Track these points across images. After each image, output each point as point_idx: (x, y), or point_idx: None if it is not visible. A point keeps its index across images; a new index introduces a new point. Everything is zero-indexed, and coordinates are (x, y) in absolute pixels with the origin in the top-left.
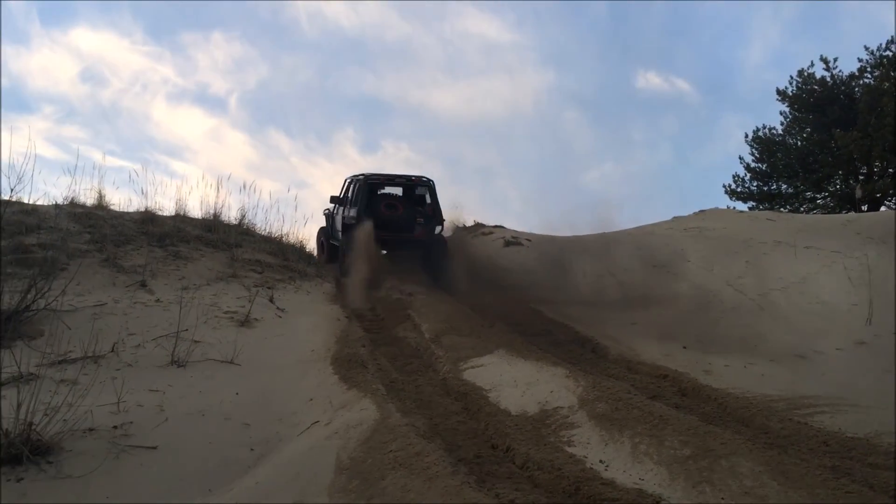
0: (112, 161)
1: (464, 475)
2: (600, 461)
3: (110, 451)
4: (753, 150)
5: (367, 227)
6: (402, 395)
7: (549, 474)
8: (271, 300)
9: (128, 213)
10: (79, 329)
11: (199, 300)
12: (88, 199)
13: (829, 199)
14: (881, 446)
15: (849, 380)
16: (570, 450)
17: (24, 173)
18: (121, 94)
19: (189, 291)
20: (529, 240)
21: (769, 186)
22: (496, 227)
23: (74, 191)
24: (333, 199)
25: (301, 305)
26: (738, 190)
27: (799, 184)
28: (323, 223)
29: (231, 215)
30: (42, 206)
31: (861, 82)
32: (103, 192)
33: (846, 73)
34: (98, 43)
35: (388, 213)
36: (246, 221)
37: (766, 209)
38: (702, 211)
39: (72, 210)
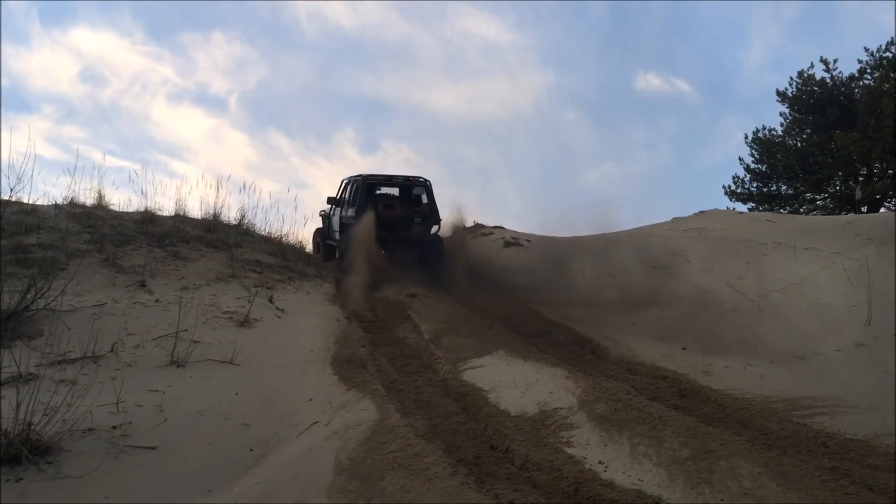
0: (112, 161)
1: (463, 476)
2: (599, 462)
3: (109, 451)
4: (753, 151)
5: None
6: (401, 396)
7: (548, 475)
8: (271, 300)
9: (127, 213)
10: (78, 329)
11: (199, 300)
12: (88, 199)
13: (828, 200)
14: (880, 448)
15: (848, 381)
16: (569, 451)
17: (23, 173)
18: (121, 94)
19: (188, 292)
20: (529, 240)
21: (769, 187)
22: (496, 227)
23: (74, 191)
24: (330, 200)
25: (301, 306)
26: (738, 191)
27: (799, 185)
28: (319, 224)
29: (231, 215)
30: (42, 205)
31: (861, 84)
32: (103, 192)
33: (846, 74)
34: (98, 43)
35: (385, 213)
36: (245, 222)
37: (765, 210)
38: (702, 212)
39: (71, 210)
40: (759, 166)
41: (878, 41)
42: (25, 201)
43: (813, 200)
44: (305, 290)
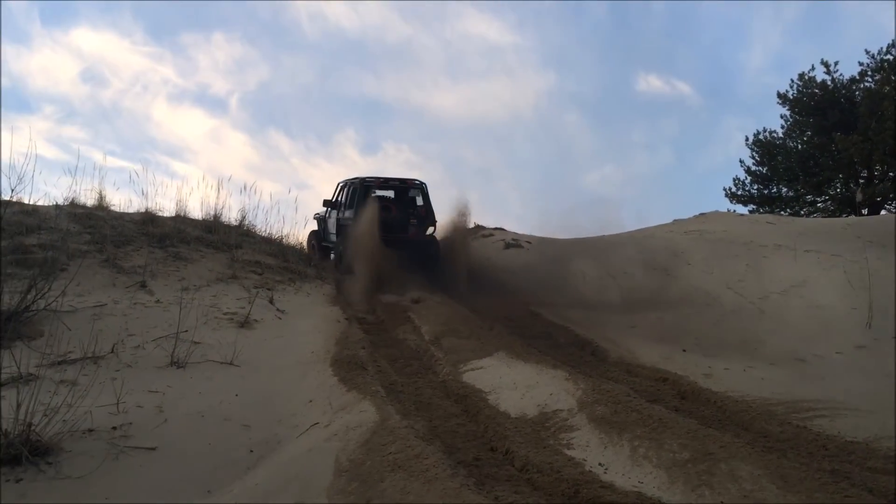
0: (112, 161)
1: (463, 477)
2: (599, 464)
3: (109, 451)
4: (754, 153)
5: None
6: (401, 398)
7: (548, 477)
8: (271, 301)
9: (128, 214)
10: (78, 330)
11: (199, 301)
12: (89, 199)
13: (829, 202)
14: (880, 450)
15: (848, 384)
16: (569, 452)
17: (24, 173)
18: (121, 94)
19: (189, 292)
20: (530, 242)
21: (769, 189)
22: (496, 229)
23: (75, 191)
24: (326, 203)
25: (301, 307)
26: (739, 193)
27: (799, 187)
28: (314, 227)
29: (231, 216)
30: (42, 206)
31: (862, 86)
32: (103, 192)
33: (847, 76)
34: (99, 43)
35: (382, 215)
36: (246, 222)
37: (766, 212)
38: (702, 214)
39: (72, 210)
40: (760, 168)
41: (879, 43)
42: (26, 202)
43: (814, 203)
44: (306, 292)
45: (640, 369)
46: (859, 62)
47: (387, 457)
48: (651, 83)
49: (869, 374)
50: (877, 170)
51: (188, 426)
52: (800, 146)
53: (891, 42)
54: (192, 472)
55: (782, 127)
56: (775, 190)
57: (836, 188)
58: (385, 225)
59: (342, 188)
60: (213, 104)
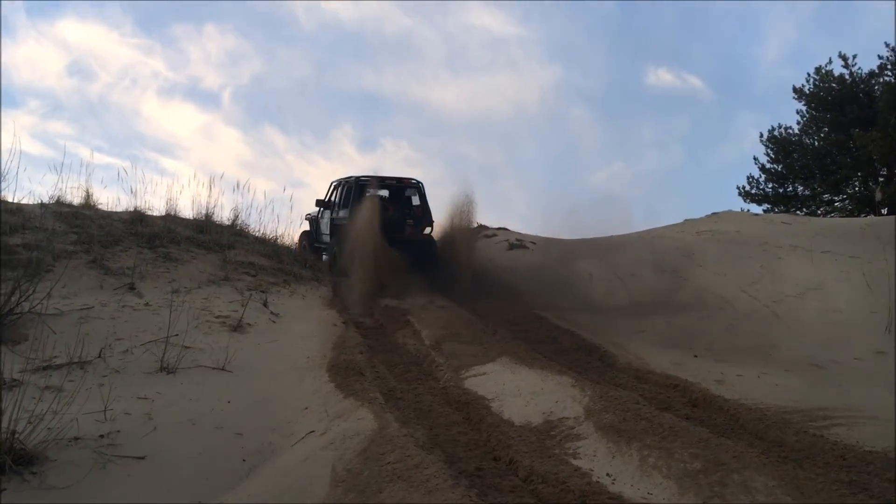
0: (100, 158)
1: (465, 488)
2: (607, 474)
3: (96, 461)
4: (768, 150)
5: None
6: (400, 405)
7: (553, 488)
8: (265, 304)
9: (116, 213)
10: (64, 333)
11: (190, 304)
12: (75, 197)
13: (847, 201)
14: None
15: (867, 391)
16: (575, 462)
17: (8, 170)
18: (109, 88)
19: (179, 295)
20: (534, 242)
21: (785, 188)
22: (500, 228)
23: (60, 189)
24: (319, 203)
25: (296, 310)
26: (753, 191)
27: (816, 185)
28: (305, 228)
29: (224, 215)
30: (27, 204)
31: (881, 80)
32: (90, 190)
33: (866, 70)
34: (86, 35)
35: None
36: (239, 222)
37: (781, 212)
38: (714, 213)
39: (58, 209)
40: (775, 166)
41: None
42: (10, 200)
43: (831, 202)
44: (301, 294)
45: (649, 375)
46: (878, 55)
47: (385, 466)
48: (661, 77)
49: (888, 380)
50: None
51: (178, 434)
52: (816, 143)
53: None
54: (182, 483)
55: (798, 123)
56: (791, 188)
57: (854, 187)
58: (381, 224)
59: (336, 187)
60: (204, 98)
